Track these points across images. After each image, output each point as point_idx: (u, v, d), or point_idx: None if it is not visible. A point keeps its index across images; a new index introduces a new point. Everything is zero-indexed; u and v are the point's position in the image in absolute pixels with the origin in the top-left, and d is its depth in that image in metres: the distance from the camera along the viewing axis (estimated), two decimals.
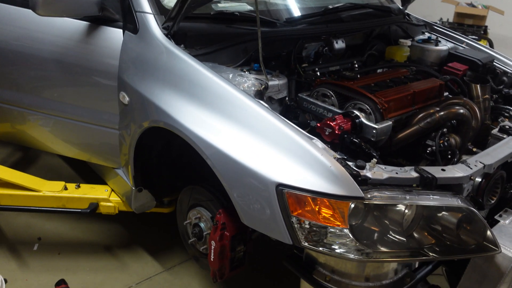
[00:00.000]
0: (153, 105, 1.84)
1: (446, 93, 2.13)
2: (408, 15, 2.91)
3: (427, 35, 2.75)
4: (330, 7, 2.47)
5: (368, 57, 2.52)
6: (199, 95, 1.73)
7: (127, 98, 1.99)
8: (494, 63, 2.52)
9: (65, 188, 2.35)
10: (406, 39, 2.56)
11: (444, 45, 2.54)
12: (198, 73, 1.75)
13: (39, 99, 2.37)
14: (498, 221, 1.69)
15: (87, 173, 2.83)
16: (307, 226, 1.45)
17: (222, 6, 2.29)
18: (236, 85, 1.71)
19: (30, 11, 1.90)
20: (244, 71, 1.91)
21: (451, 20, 6.06)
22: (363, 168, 1.46)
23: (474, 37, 4.54)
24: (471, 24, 5.85)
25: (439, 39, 2.65)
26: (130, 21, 2.00)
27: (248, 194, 1.55)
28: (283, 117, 1.57)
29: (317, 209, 1.42)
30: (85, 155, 2.46)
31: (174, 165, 2.19)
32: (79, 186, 2.37)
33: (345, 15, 2.52)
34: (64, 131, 2.42)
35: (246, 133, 1.58)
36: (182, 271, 2.47)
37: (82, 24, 2.10)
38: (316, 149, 1.46)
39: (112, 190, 2.39)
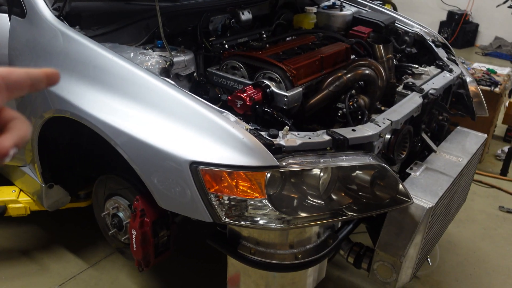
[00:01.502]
0: (52, 94, 1.70)
1: (353, 56, 2.18)
2: None
3: (331, 1, 2.78)
4: None
5: (276, 26, 2.51)
6: (100, 79, 1.62)
7: None
8: (396, 24, 2.61)
9: None
10: (312, 6, 2.57)
11: (348, 10, 2.58)
12: (97, 54, 1.63)
13: None
14: (410, 174, 1.77)
15: None
16: (226, 201, 1.42)
17: None
18: (138, 64, 1.62)
19: None
20: (147, 49, 1.82)
21: None
22: (276, 136, 1.44)
23: (379, 1, 4.69)
24: None
25: (343, 4, 2.69)
26: (15, 4, 1.83)
27: (167, 178, 1.48)
28: (191, 93, 1.51)
29: (234, 183, 1.39)
30: None
31: (85, 155, 2.06)
32: None
33: None
34: None
35: (154, 114, 1.51)
36: (109, 264, 2.36)
37: None
38: (227, 122, 1.42)
39: (21, 190, 2.22)
